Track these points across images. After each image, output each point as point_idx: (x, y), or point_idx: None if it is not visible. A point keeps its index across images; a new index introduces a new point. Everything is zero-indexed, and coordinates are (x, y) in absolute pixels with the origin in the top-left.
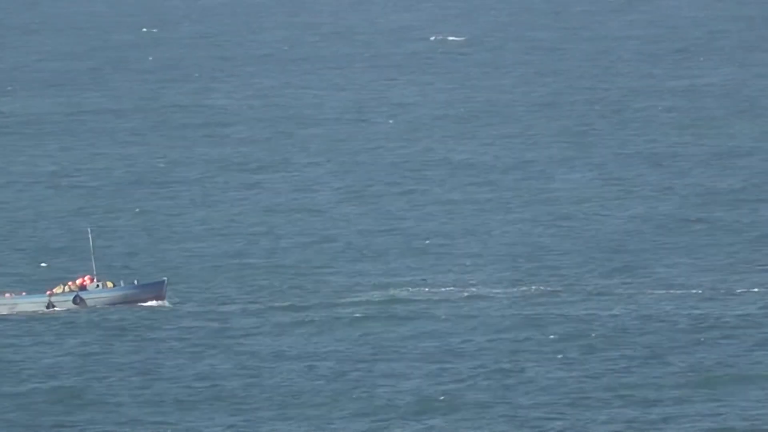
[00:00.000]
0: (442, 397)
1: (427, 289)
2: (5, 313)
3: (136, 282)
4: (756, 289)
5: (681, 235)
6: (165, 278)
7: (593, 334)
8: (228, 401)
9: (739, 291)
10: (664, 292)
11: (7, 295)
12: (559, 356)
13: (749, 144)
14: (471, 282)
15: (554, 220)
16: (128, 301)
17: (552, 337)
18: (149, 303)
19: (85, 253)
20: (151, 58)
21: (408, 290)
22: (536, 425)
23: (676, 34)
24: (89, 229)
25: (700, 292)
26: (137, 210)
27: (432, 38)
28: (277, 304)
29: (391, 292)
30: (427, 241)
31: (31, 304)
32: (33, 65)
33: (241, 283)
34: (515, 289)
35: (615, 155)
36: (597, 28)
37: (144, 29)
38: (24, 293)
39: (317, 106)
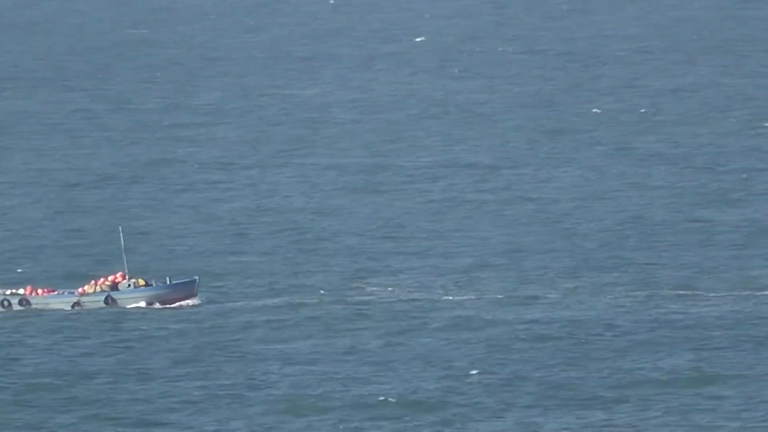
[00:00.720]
0: (414, 398)
1: (407, 290)
2: (38, 308)
3: (168, 281)
4: (736, 292)
5: (664, 235)
6: (196, 277)
7: (574, 335)
8: (216, 402)
9: (715, 292)
10: (644, 292)
11: (40, 291)
12: (533, 357)
13: (735, 143)
14: (451, 282)
15: (536, 220)
16: (160, 300)
17: (524, 337)
18: (181, 302)
19: (66, 250)
20: (141, 58)
21: (389, 291)
22: (513, 426)
23: (667, 32)
24: (120, 228)
25: (679, 293)
26: (112, 209)
27: (418, 39)
28: (263, 304)
29: (372, 293)
30: (410, 243)
31: (62, 302)
32: (20, 65)
33: (231, 282)
34: (497, 290)
35: (600, 155)
36: (591, 27)
37: (130, 30)
38: (57, 291)
39: (305, 105)
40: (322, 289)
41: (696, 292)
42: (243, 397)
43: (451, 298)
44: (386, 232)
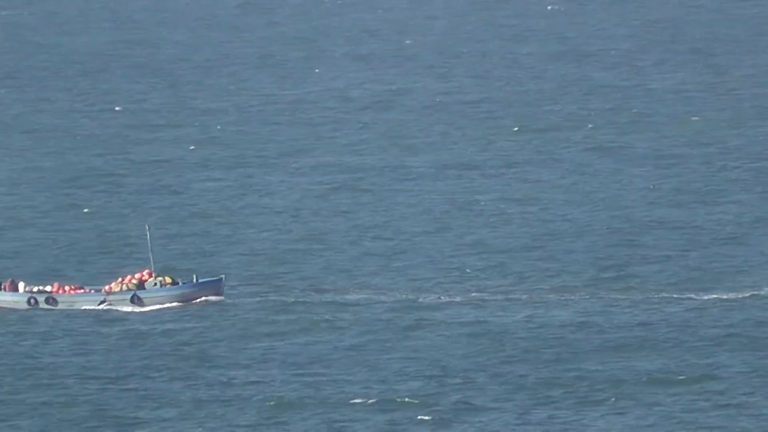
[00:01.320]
0: (401, 398)
1: (396, 290)
2: (64, 308)
3: (194, 279)
4: (724, 294)
5: (653, 236)
6: (223, 276)
7: (560, 335)
8: (201, 401)
9: (703, 293)
10: (632, 293)
11: (68, 288)
12: (520, 357)
13: (725, 143)
14: (440, 283)
15: (526, 220)
16: (186, 299)
17: (511, 337)
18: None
19: (57, 250)
20: (135, 59)
21: (378, 291)
22: (501, 425)
23: (659, 32)
24: (147, 226)
25: (666, 294)
26: (86, 210)
27: (408, 41)
28: (253, 303)
29: (361, 293)
30: (400, 243)
31: (89, 301)
32: (12, 64)
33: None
34: (485, 290)
35: (591, 155)
36: (583, 27)
37: (121, 29)
38: (84, 289)
39: (298, 105)
40: (310, 289)
41: (683, 294)
42: (227, 398)
43: (439, 298)
44: (376, 233)
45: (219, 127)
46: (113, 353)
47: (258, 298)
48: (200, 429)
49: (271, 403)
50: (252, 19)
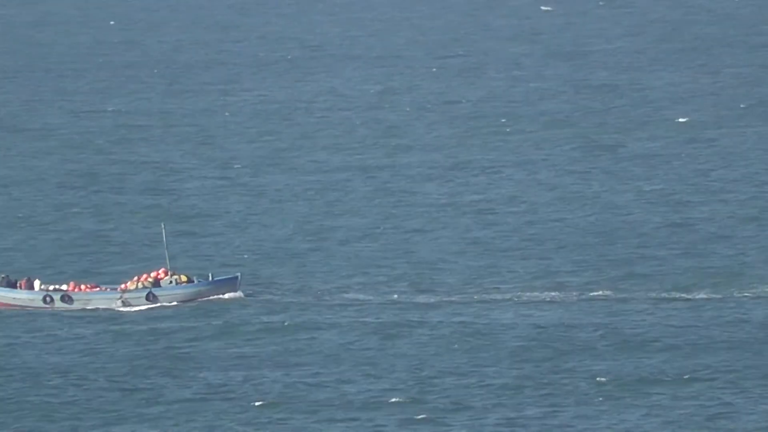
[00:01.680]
0: (392, 398)
1: (386, 292)
2: (78, 308)
3: (210, 277)
4: (713, 294)
5: (642, 236)
6: (238, 274)
7: (549, 336)
8: (186, 403)
9: (691, 293)
10: (622, 294)
11: (83, 286)
12: (510, 356)
13: (716, 143)
14: (429, 285)
15: (517, 221)
16: (201, 297)
17: (502, 338)
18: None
19: (49, 250)
20: (128, 59)
21: (367, 292)
22: (491, 425)
23: (654, 32)
24: (162, 225)
25: (654, 295)
26: (76, 210)
27: (402, 41)
28: (245, 305)
29: (351, 294)
30: (391, 245)
31: (104, 299)
32: (5, 64)
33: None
34: (475, 292)
35: (583, 156)
36: (577, 27)
37: (115, 29)
38: (99, 288)
39: (292, 106)
40: (303, 289)
41: (675, 294)
42: (216, 397)
43: (427, 300)
44: (370, 232)
45: (214, 126)
46: (103, 352)
47: (251, 298)
48: (190, 428)
49: (260, 402)
50: (247, 18)
